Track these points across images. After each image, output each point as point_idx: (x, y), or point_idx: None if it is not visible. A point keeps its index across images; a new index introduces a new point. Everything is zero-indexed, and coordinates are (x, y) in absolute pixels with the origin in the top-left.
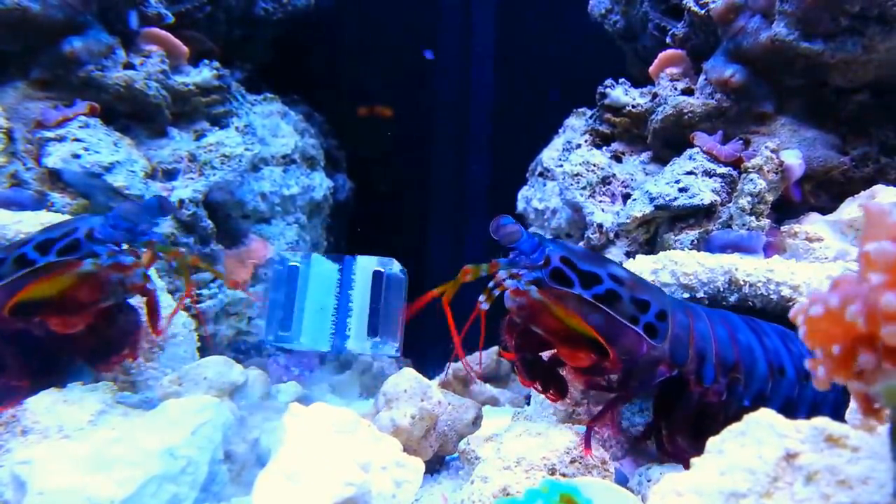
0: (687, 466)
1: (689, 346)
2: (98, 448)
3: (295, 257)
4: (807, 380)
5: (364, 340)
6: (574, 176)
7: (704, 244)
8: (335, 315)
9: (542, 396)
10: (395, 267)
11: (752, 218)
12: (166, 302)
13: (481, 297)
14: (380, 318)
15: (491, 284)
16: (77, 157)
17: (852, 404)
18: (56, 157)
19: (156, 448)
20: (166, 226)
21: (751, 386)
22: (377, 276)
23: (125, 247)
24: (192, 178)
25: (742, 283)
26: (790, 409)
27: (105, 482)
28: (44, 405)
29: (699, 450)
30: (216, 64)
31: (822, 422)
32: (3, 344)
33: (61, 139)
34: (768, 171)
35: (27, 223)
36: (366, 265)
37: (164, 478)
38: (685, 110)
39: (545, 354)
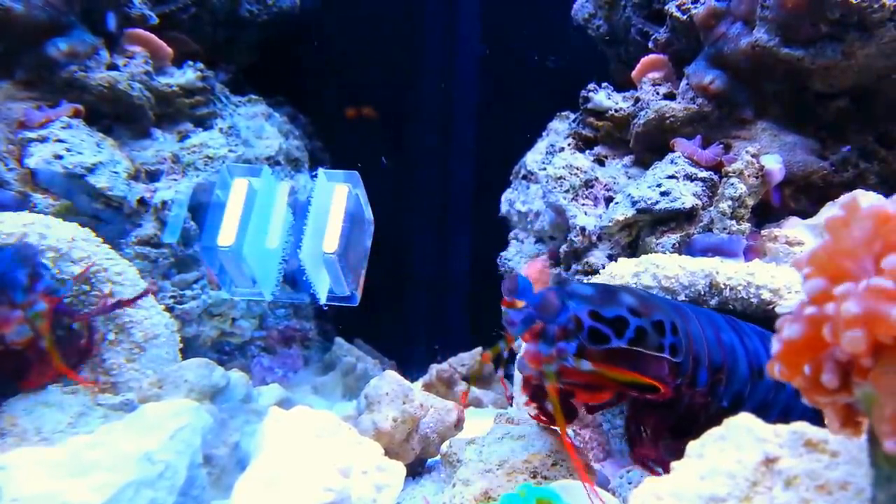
0: (666, 471)
1: (689, 352)
2: (75, 453)
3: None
4: (783, 385)
5: (319, 260)
6: (557, 179)
7: (686, 248)
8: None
9: (525, 397)
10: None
11: (733, 222)
12: (149, 303)
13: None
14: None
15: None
16: (59, 157)
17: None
18: (38, 157)
19: (133, 453)
20: (149, 227)
21: (731, 387)
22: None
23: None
24: (175, 180)
25: (723, 286)
26: (764, 412)
27: (81, 488)
28: (22, 408)
29: (678, 452)
30: (200, 65)
31: (802, 426)
32: None
33: (43, 140)
34: (749, 176)
35: (9, 224)
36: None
37: (142, 483)
38: (667, 115)
39: None
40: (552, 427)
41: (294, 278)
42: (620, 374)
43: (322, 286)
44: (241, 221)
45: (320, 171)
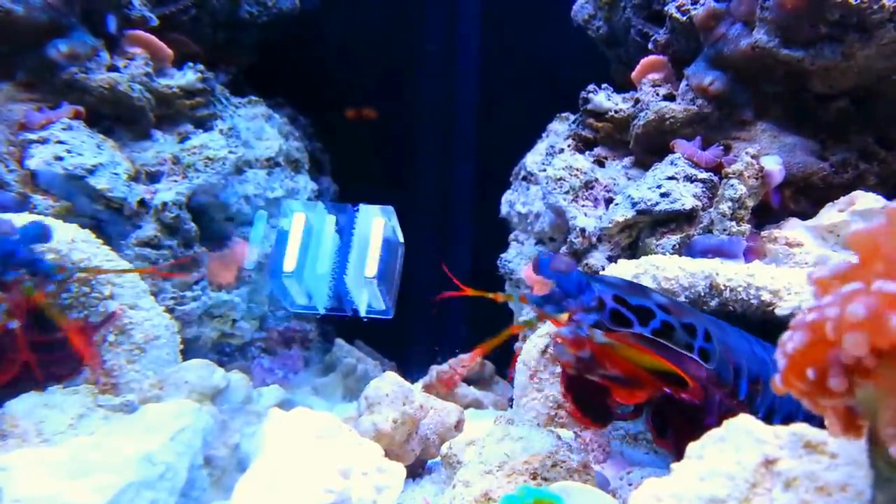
0: None
1: (729, 361)
2: (76, 454)
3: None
4: None
5: (362, 283)
6: (557, 180)
7: (686, 249)
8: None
9: (525, 399)
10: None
11: (733, 223)
12: (149, 304)
13: (520, 320)
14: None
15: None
16: (60, 159)
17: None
18: (39, 159)
19: (134, 454)
20: (149, 228)
21: (766, 398)
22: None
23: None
24: (175, 181)
25: (723, 287)
26: (790, 423)
27: (82, 489)
28: (23, 409)
29: None
30: (200, 66)
31: (801, 428)
32: None
33: (44, 141)
34: (749, 177)
35: None
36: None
37: (143, 484)
38: (667, 116)
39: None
40: (594, 427)
41: (339, 294)
42: (639, 353)
43: (363, 302)
44: (300, 249)
45: (361, 206)
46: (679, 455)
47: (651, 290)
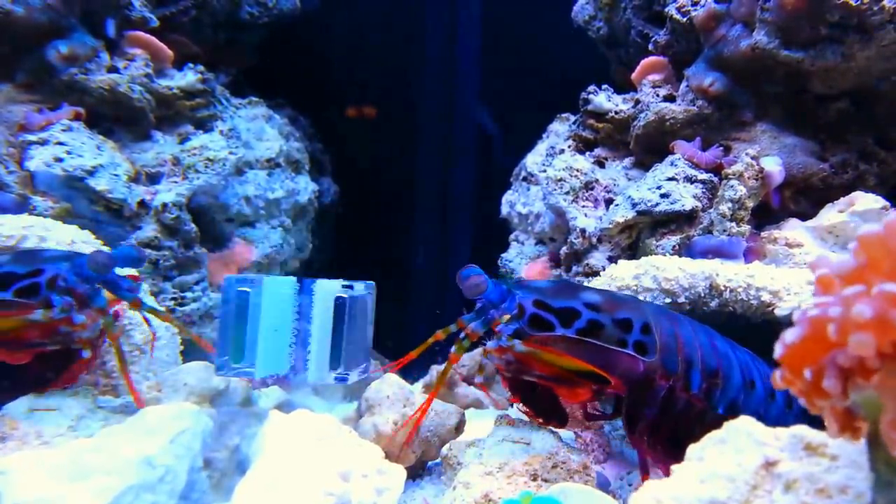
0: (667, 474)
1: (678, 352)
2: (75, 457)
3: (244, 283)
4: (772, 398)
5: (326, 373)
6: (557, 181)
7: (686, 249)
8: (294, 343)
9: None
10: (359, 288)
11: (733, 224)
12: (149, 305)
13: (453, 349)
14: (343, 348)
15: (462, 336)
16: (60, 160)
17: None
18: (38, 160)
19: (133, 457)
20: (149, 229)
21: (727, 394)
22: (339, 302)
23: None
24: (175, 182)
25: (723, 288)
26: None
27: (82, 492)
28: (23, 411)
29: (675, 457)
30: (201, 67)
31: (801, 430)
32: None
33: (44, 143)
34: (749, 178)
35: (8, 226)
36: (326, 290)
37: (142, 487)
38: (667, 117)
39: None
40: (549, 425)
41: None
42: (557, 356)
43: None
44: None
45: (317, 282)
46: (655, 456)
47: (586, 289)
